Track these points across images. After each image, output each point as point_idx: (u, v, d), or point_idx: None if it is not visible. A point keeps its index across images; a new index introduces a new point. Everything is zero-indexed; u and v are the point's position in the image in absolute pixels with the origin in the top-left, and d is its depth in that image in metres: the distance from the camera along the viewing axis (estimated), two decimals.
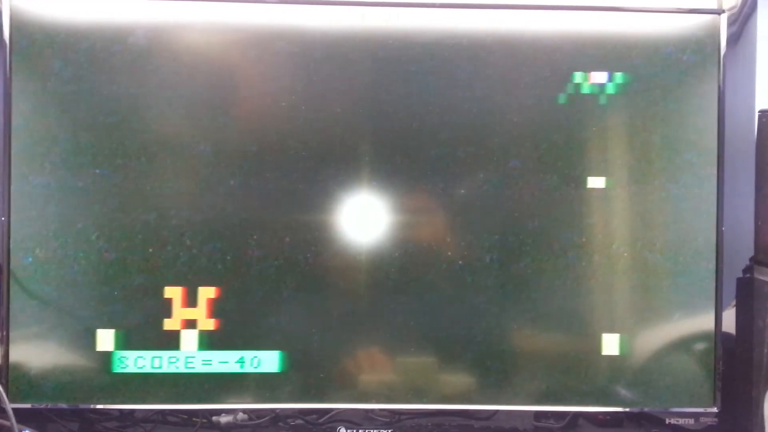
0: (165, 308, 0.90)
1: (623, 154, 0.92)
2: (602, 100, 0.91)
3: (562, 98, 0.91)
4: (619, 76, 0.91)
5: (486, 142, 0.91)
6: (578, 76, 0.91)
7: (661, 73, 0.92)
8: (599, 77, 0.91)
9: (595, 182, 0.92)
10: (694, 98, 0.93)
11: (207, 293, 0.90)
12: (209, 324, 0.91)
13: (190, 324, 0.91)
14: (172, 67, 0.90)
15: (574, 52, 0.92)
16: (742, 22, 0.93)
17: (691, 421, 0.93)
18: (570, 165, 0.92)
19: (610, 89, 0.91)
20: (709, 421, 0.93)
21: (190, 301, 0.90)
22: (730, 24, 0.93)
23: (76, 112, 0.90)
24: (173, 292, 0.90)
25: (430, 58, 0.91)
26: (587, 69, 0.91)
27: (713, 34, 0.92)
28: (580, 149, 0.92)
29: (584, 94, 0.91)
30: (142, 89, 0.90)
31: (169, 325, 0.91)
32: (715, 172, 0.92)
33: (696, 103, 0.93)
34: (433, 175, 0.91)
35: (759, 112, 0.94)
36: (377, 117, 0.91)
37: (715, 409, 0.91)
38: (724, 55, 0.92)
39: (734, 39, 0.93)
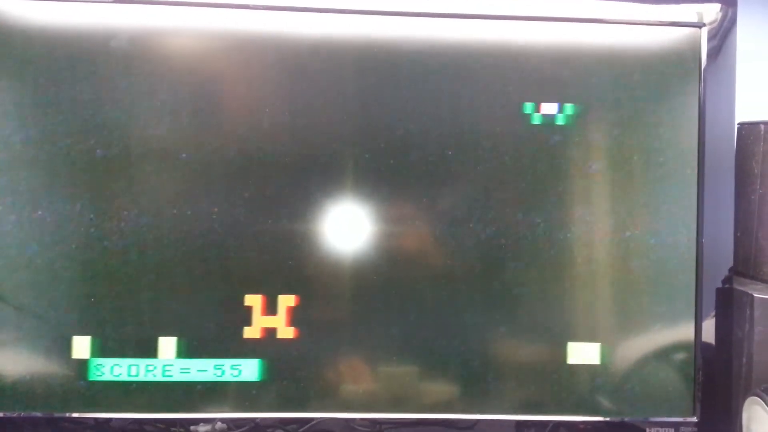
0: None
1: (606, 162, 0.92)
2: (576, 112, 0.92)
3: (534, 116, 0.92)
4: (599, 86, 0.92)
5: (467, 152, 0.92)
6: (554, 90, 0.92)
7: (642, 86, 0.92)
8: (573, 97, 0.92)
9: (578, 190, 0.92)
10: (674, 110, 0.93)
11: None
12: None
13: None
14: (155, 72, 0.89)
15: (559, 60, 0.92)
16: (723, 35, 0.94)
17: (671, 430, 0.94)
18: (551, 173, 0.92)
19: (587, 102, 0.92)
20: (689, 430, 0.93)
21: None
22: (710, 38, 0.94)
23: (64, 114, 0.88)
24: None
25: (417, 67, 0.91)
26: (568, 78, 0.92)
27: (694, 48, 0.93)
28: (559, 158, 0.92)
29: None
30: (129, 94, 0.89)
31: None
32: (695, 183, 0.93)
33: (676, 116, 0.93)
34: (420, 183, 0.91)
35: (738, 124, 0.95)
36: (363, 125, 0.91)
37: (694, 419, 0.92)
38: (705, 68, 0.93)
39: (714, 52, 0.94)
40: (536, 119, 0.92)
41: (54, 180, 0.88)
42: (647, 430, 0.95)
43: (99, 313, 0.89)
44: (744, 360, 0.89)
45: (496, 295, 0.91)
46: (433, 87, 0.91)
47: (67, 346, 0.88)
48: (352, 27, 0.91)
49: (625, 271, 0.92)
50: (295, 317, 0.90)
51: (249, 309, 0.90)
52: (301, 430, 0.95)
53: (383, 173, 0.91)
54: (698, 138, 0.93)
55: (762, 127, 0.92)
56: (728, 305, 0.92)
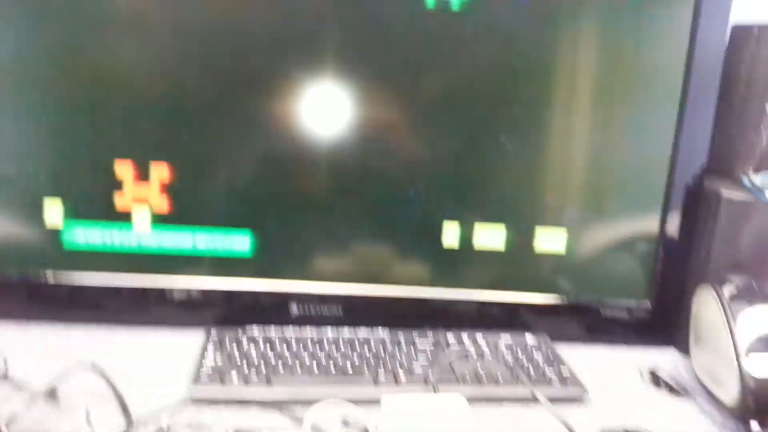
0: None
1: (591, 58, 0.91)
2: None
3: None
4: None
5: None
6: None
7: None
8: None
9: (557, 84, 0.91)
10: (668, 8, 0.90)
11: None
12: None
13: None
14: None
15: None
16: None
17: (625, 313, 1.01)
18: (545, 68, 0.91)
19: None
20: (642, 314, 1.00)
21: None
22: None
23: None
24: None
25: None
26: None
27: None
28: (547, 52, 0.90)
29: None
30: None
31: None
32: (680, 85, 0.92)
33: (670, 14, 0.90)
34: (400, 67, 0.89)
35: (732, 27, 0.94)
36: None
37: (647, 304, 0.98)
38: None
39: None
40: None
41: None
42: (601, 312, 1.01)
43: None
44: (702, 253, 0.94)
45: (466, 180, 0.93)
46: None
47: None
48: None
49: (600, 163, 0.94)
50: None
51: None
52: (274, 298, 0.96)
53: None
54: (690, 38, 0.91)
55: (756, 29, 0.92)
56: (696, 202, 0.96)
